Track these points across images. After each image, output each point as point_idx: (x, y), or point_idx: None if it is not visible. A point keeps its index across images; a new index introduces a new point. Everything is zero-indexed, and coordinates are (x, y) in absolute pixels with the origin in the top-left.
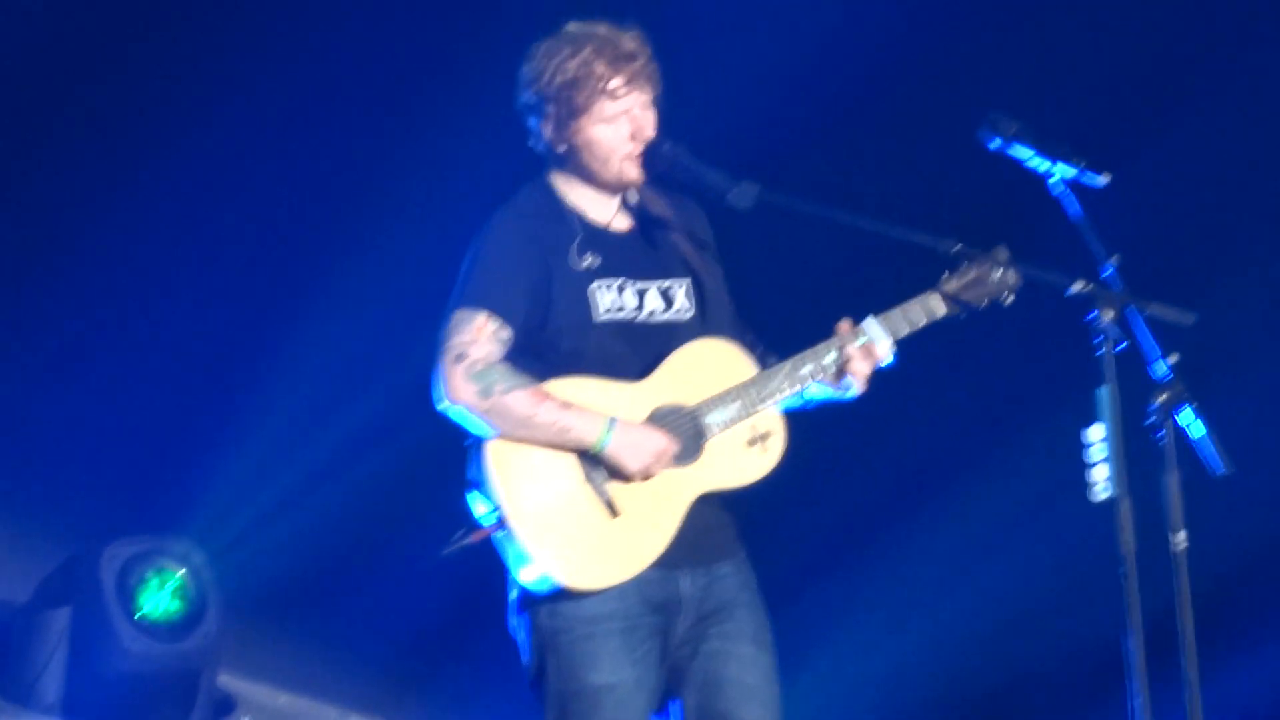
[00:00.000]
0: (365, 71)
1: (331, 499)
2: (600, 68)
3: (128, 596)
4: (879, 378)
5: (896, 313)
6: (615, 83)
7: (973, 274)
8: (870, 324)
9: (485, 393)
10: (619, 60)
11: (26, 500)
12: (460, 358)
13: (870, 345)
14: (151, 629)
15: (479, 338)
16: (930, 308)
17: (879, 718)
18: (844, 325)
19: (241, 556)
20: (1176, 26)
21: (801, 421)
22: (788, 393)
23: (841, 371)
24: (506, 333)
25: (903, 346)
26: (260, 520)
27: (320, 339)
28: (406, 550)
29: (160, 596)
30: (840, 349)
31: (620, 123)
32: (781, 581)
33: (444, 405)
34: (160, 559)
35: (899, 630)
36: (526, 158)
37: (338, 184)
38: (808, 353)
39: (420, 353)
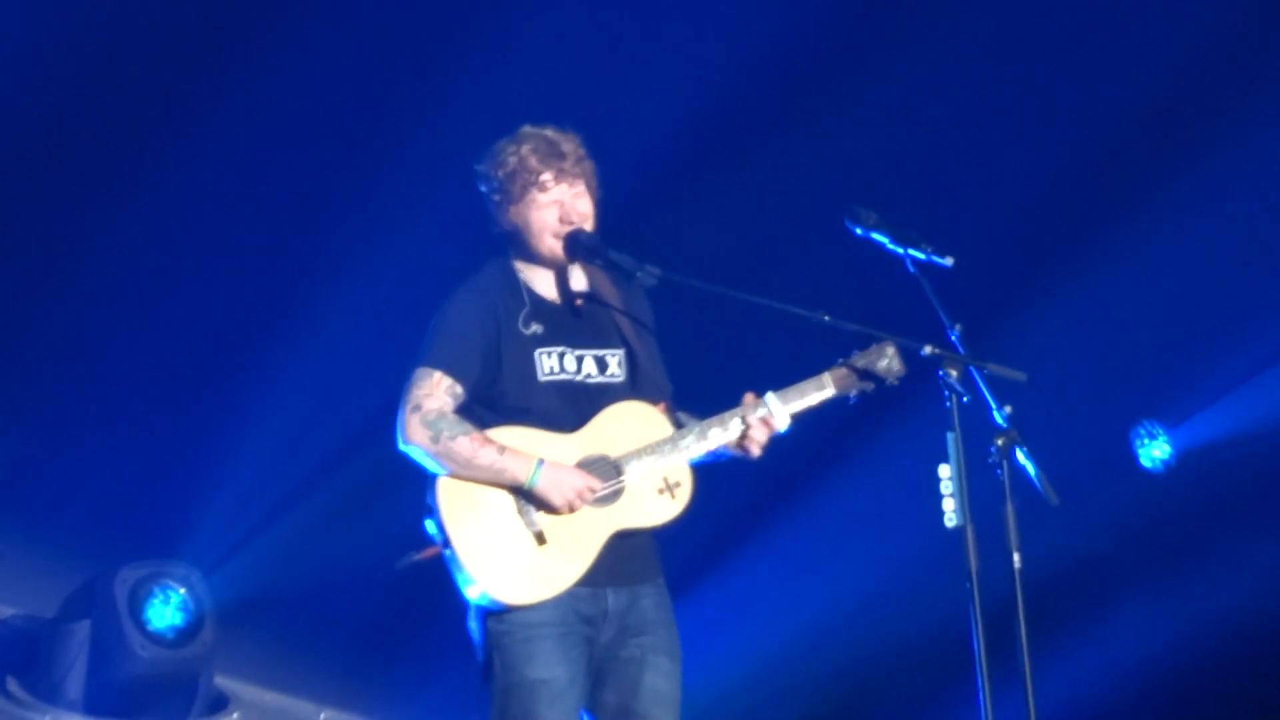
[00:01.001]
0: (360, 86)
1: (308, 522)
2: (533, 163)
3: (138, 611)
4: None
5: (794, 390)
6: (545, 176)
7: (861, 364)
8: (770, 398)
9: (435, 439)
10: (549, 158)
11: (53, 531)
12: (417, 408)
13: (768, 417)
14: (158, 638)
15: (434, 391)
16: (823, 388)
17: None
18: (749, 397)
19: (232, 576)
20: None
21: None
22: (696, 450)
23: (744, 437)
24: (459, 388)
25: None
26: (247, 544)
27: (292, 379)
28: (375, 563)
29: (165, 611)
30: (743, 418)
31: (550, 209)
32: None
33: (402, 446)
34: (165, 579)
35: (777, 637)
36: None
37: (323, 213)
38: (715, 419)
39: (385, 388)
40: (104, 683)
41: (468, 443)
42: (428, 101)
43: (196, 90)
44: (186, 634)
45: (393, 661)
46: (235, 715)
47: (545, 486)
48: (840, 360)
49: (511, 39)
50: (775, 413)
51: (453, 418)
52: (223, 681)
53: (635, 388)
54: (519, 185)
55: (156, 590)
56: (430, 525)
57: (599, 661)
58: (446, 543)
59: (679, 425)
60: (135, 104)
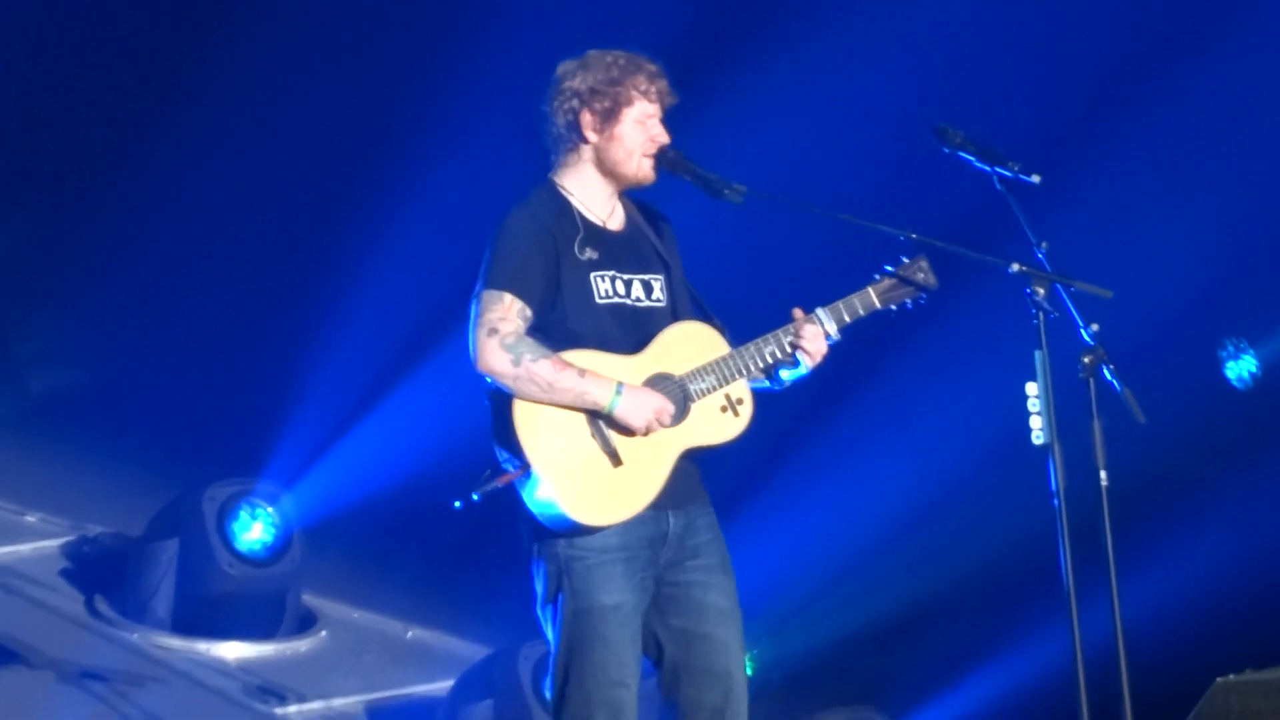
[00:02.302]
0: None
1: (392, 439)
2: (641, 79)
3: (225, 529)
4: (864, 343)
5: (839, 305)
6: (644, 90)
7: (896, 279)
8: (818, 313)
9: (516, 362)
10: (653, 76)
11: (141, 451)
12: (493, 332)
13: (819, 329)
14: (245, 556)
15: (507, 315)
16: (868, 301)
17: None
18: (797, 313)
19: (318, 494)
20: (1093, 55)
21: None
22: (755, 367)
23: (798, 350)
24: (529, 311)
25: (879, 322)
26: (333, 462)
27: (368, 298)
28: (457, 487)
29: (253, 529)
30: (796, 332)
31: (646, 125)
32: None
33: (480, 369)
34: (252, 497)
35: (868, 555)
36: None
37: (390, 136)
38: (769, 335)
39: (459, 307)
40: (192, 601)
41: (549, 366)
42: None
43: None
44: (274, 552)
45: (479, 581)
46: (323, 633)
47: (625, 409)
48: (880, 275)
49: None
50: (825, 326)
51: (530, 341)
52: (310, 599)
53: (675, 310)
54: (614, 97)
55: (244, 508)
56: (505, 450)
57: (659, 584)
58: (526, 466)
59: (733, 345)
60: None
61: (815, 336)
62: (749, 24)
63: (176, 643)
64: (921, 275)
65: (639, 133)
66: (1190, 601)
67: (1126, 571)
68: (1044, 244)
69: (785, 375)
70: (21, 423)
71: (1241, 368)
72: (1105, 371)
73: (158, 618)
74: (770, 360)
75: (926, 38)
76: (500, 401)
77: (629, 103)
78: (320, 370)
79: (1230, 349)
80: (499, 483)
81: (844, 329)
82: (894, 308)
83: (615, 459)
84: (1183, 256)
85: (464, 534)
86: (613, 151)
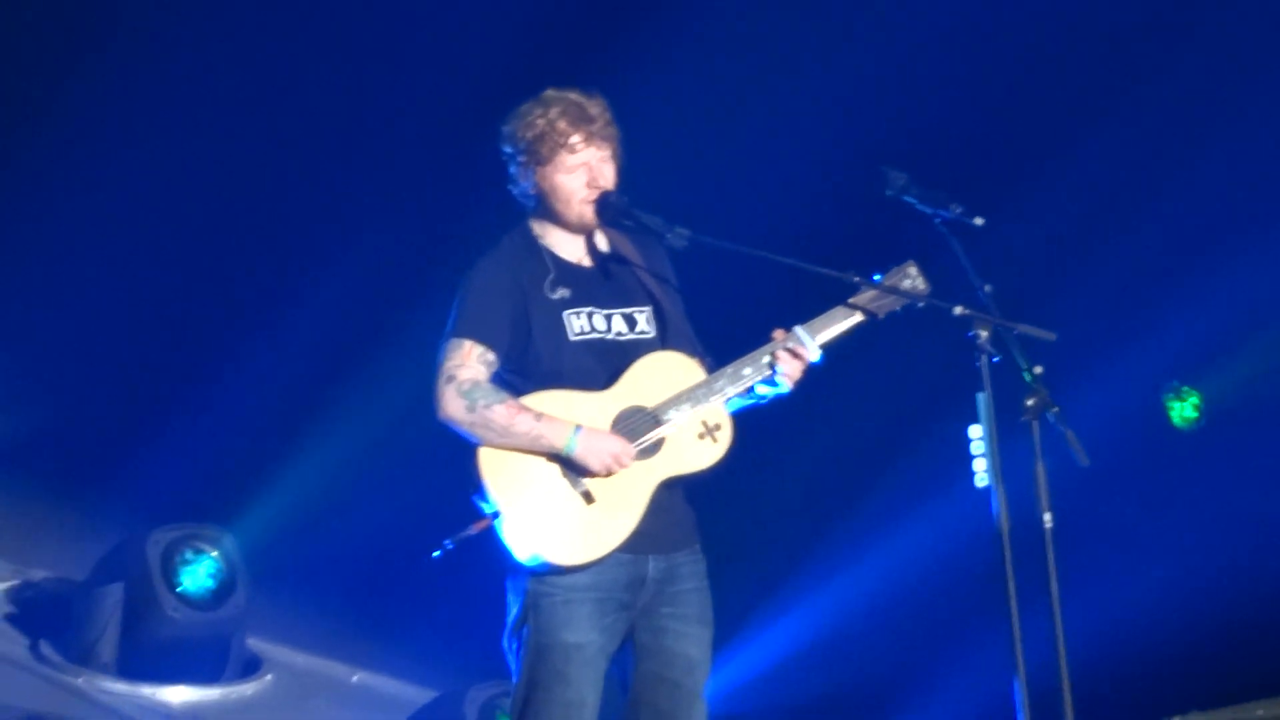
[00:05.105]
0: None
1: (341, 484)
2: (563, 125)
3: (170, 574)
4: (807, 382)
5: (821, 320)
6: (575, 139)
7: (880, 288)
8: (798, 330)
9: (470, 408)
10: (580, 121)
11: (85, 494)
12: (450, 379)
13: (798, 348)
14: (190, 601)
15: (466, 361)
16: (850, 313)
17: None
18: (777, 333)
19: (264, 538)
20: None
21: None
22: (731, 391)
23: (776, 371)
24: (491, 356)
25: (826, 360)
26: (280, 507)
27: (324, 343)
28: (404, 530)
29: (197, 574)
30: (773, 352)
31: (578, 173)
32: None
33: (439, 418)
34: (197, 542)
35: (814, 595)
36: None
37: (351, 169)
38: (745, 358)
39: (418, 351)
40: (137, 645)
41: (503, 410)
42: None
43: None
44: (219, 596)
45: (425, 624)
46: (268, 677)
47: (583, 452)
48: (864, 285)
49: None
50: (805, 343)
51: (487, 386)
52: (255, 644)
53: (666, 343)
54: (547, 148)
55: (189, 553)
56: (476, 497)
57: (635, 627)
58: (495, 511)
59: (710, 372)
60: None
61: (794, 354)
62: (692, 62)
63: (121, 687)
64: (909, 282)
65: (574, 180)
66: (1136, 643)
67: (1071, 612)
68: (987, 286)
69: (763, 392)
70: None
71: (1185, 409)
72: (1048, 414)
73: (102, 662)
74: (748, 381)
75: (870, 77)
76: (467, 448)
77: (555, 155)
78: (266, 413)
79: (1173, 390)
80: (473, 530)
81: (829, 345)
82: (880, 317)
83: (588, 497)
84: (1126, 298)
85: (411, 577)
86: (552, 200)
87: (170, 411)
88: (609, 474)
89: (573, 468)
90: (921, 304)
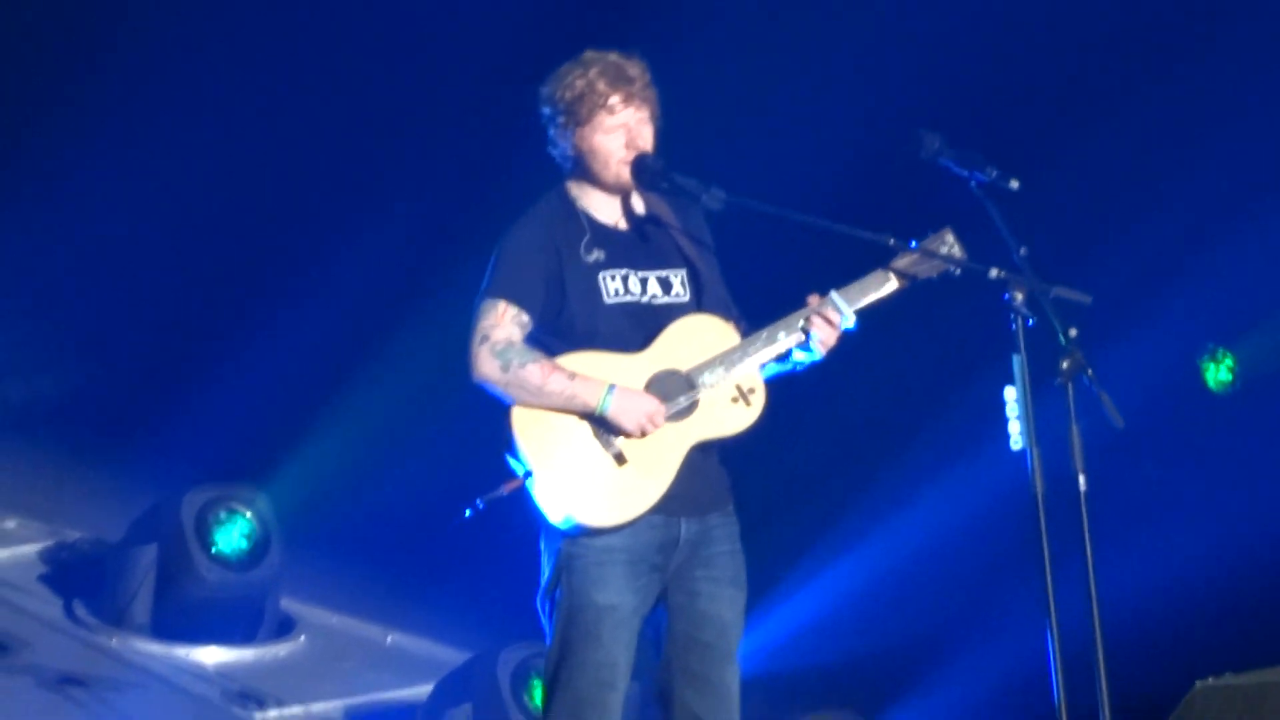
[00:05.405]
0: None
1: (376, 444)
2: (602, 86)
3: (204, 534)
4: (842, 346)
5: (856, 286)
6: (613, 100)
7: (916, 254)
8: (833, 295)
9: (504, 368)
10: (619, 82)
11: (119, 456)
12: (485, 339)
13: (833, 314)
14: (224, 562)
15: (500, 322)
16: (886, 280)
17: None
18: (812, 298)
19: (298, 498)
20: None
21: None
22: (765, 355)
23: (808, 335)
24: (525, 316)
25: (861, 324)
26: (314, 468)
27: (360, 303)
28: (438, 490)
29: (231, 534)
30: (808, 317)
31: (617, 134)
32: (751, 522)
33: (474, 379)
34: (231, 503)
35: (847, 557)
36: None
37: (389, 133)
38: (780, 322)
39: (453, 313)
40: (170, 606)
41: (537, 370)
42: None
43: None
44: (253, 557)
45: (459, 585)
46: (301, 638)
47: (616, 411)
48: (900, 251)
49: None
50: (841, 309)
51: (521, 346)
52: (289, 604)
53: (701, 306)
54: (586, 109)
55: (223, 513)
56: (509, 457)
57: (667, 589)
58: (528, 471)
59: (745, 336)
60: None
61: (829, 318)
62: (729, 24)
63: (155, 648)
64: (946, 248)
65: (613, 141)
66: (1170, 605)
67: (1105, 575)
68: (1023, 249)
69: (799, 358)
70: (0, 429)
71: (1220, 371)
72: (1083, 376)
73: (136, 623)
74: (782, 346)
75: (906, 39)
76: (501, 408)
77: (594, 116)
78: (301, 374)
79: (1209, 353)
80: (505, 490)
81: (864, 311)
82: (918, 282)
83: (620, 459)
84: (1161, 260)
85: (444, 537)
86: (590, 162)
87: (205, 372)
88: (643, 434)
89: (606, 428)
90: (958, 270)
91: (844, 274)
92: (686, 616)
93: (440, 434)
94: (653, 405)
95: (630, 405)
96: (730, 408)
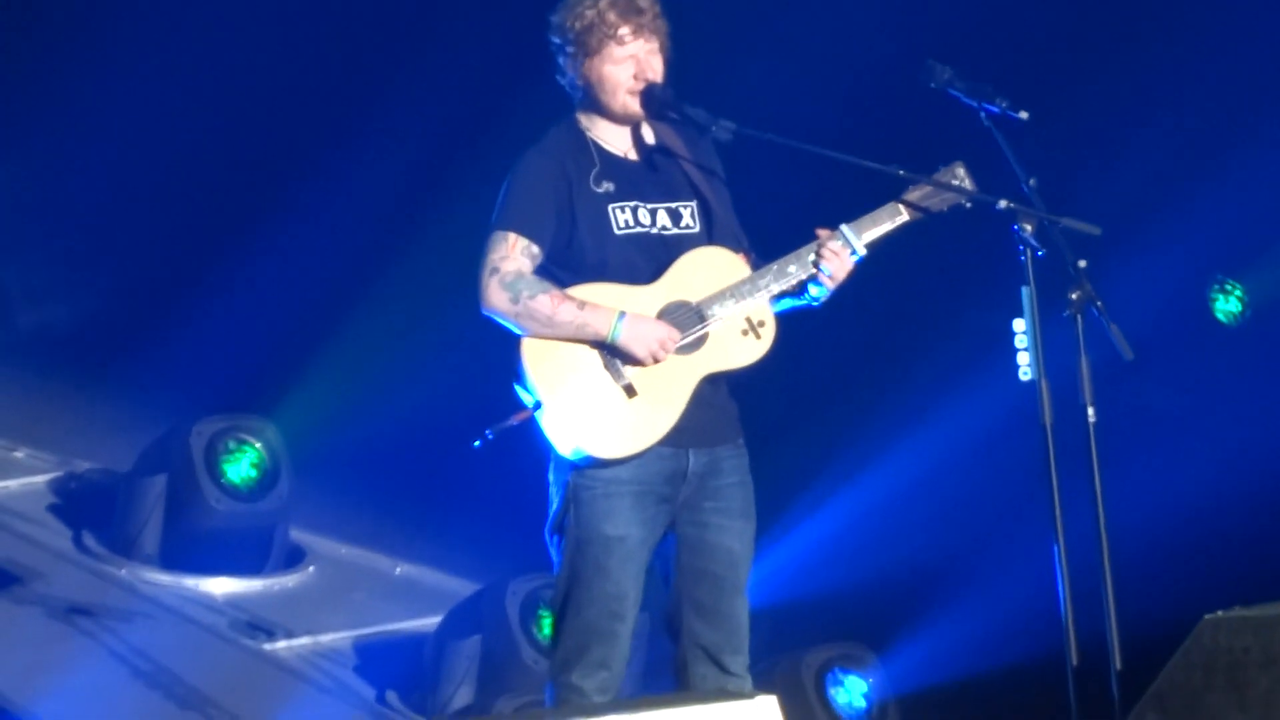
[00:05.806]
0: None
1: (385, 374)
2: (612, 17)
3: (213, 465)
4: (853, 278)
5: (867, 219)
6: (623, 30)
7: (927, 187)
8: (843, 229)
9: (514, 299)
10: (629, 13)
11: (129, 385)
12: (494, 271)
13: (842, 246)
14: (233, 492)
15: (510, 254)
16: (896, 213)
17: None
18: (822, 231)
19: (308, 428)
20: None
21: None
22: (776, 288)
23: (819, 268)
24: (535, 248)
25: (870, 259)
26: (323, 399)
27: (366, 232)
28: (447, 421)
29: (240, 464)
30: (818, 250)
31: (626, 64)
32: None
33: (484, 310)
34: (240, 433)
35: (856, 489)
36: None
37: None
38: (790, 255)
39: (462, 243)
40: (179, 536)
41: (547, 300)
42: None
43: None
44: (262, 487)
45: (468, 516)
46: (311, 569)
47: (627, 339)
48: (910, 185)
49: None
50: (851, 242)
51: (531, 278)
52: (298, 535)
53: (711, 238)
54: (595, 39)
55: (232, 443)
56: (519, 388)
57: (676, 521)
58: (537, 403)
59: (755, 268)
60: None
61: (839, 252)
62: None
63: (164, 578)
64: (956, 181)
65: (621, 71)
66: (1178, 537)
67: (1114, 507)
68: (1032, 180)
69: (812, 294)
70: (9, 358)
71: (1229, 302)
72: (1092, 308)
73: (145, 553)
74: (793, 279)
75: None
76: (511, 339)
77: (604, 47)
78: (309, 304)
79: (1218, 284)
80: (514, 420)
81: (874, 244)
82: (930, 215)
83: (630, 391)
84: (1171, 192)
85: (453, 469)
86: (599, 92)
87: (213, 301)
88: (654, 361)
89: (617, 357)
90: (968, 203)
91: (854, 207)
92: (695, 548)
93: (450, 364)
94: (663, 331)
95: (641, 332)
96: (740, 340)
